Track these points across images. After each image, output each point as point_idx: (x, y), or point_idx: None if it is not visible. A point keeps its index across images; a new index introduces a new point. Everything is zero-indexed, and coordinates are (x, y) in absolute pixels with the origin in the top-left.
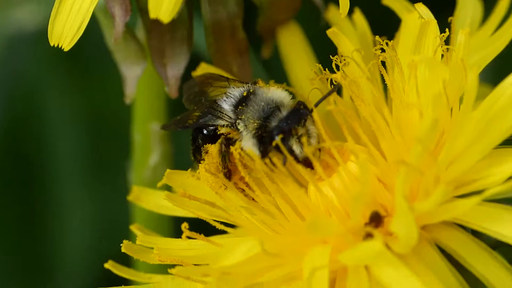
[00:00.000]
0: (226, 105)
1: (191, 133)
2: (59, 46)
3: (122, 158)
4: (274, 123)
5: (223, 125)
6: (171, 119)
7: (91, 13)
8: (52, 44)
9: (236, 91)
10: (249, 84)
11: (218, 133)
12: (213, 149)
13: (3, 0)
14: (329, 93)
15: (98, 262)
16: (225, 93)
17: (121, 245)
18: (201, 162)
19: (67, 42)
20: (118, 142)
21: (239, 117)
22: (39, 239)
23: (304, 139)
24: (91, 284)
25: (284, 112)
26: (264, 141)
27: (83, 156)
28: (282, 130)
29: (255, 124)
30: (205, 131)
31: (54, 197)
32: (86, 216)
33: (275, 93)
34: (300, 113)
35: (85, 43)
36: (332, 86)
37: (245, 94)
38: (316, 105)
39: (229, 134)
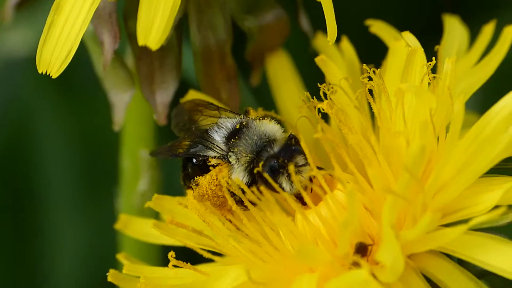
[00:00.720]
0: (218, 137)
1: (181, 160)
2: (47, 73)
3: (113, 183)
4: (265, 159)
5: (214, 157)
6: (160, 145)
7: (79, 41)
8: (40, 71)
9: (229, 122)
10: (242, 116)
11: (209, 164)
12: (203, 181)
13: None
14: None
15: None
16: (216, 123)
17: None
18: (191, 189)
19: (55, 69)
20: (109, 167)
21: (231, 150)
22: (29, 263)
23: (293, 177)
24: None
25: (275, 148)
26: (254, 175)
27: (74, 181)
28: (272, 168)
29: (247, 158)
30: (195, 161)
31: (44, 222)
32: (76, 241)
33: (268, 126)
34: (291, 150)
35: (77, 67)
36: (320, 114)
37: (238, 126)
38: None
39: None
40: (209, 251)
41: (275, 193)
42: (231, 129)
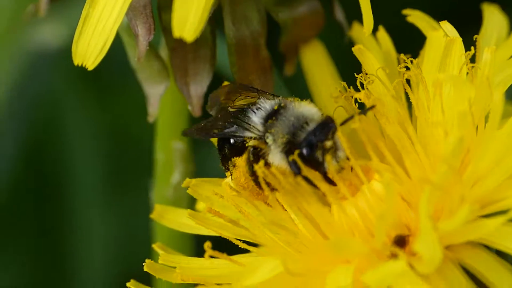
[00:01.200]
0: (256, 118)
1: (217, 143)
2: (83, 65)
3: (144, 176)
4: (302, 136)
5: (251, 137)
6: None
7: (115, 33)
8: (76, 64)
9: (267, 104)
10: (280, 98)
11: (246, 145)
12: (240, 162)
13: (26, 19)
14: (348, 119)
15: (119, 280)
16: (255, 103)
17: (143, 264)
18: (230, 172)
19: (91, 61)
20: (140, 160)
21: (269, 131)
22: (58, 257)
23: (331, 152)
24: None
25: (312, 125)
26: (293, 153)
27: (104, 174)
28: (309, 143)
29: (284, 139)
30: (232, 141)
31: (74, 216)
32: (106, 235)
33: (306, 108)
34: (328, 126)
35: (108, 61)
36: (357, 104)
37: (276, 107)
38: (342, 124)
39: (257, 147)
40: (244, 242)
41: (312, 185)
42: (269, 110)
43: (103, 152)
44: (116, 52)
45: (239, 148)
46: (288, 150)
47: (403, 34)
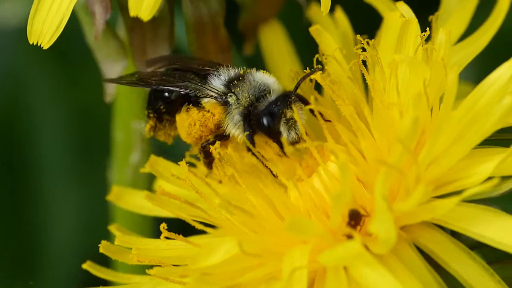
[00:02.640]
0: (216, 82)
1: (149, 97)
2: (38, 44)
3: (106, 154)
4: (264, 104)
5: (208, 95)
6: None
7: (70, 11)
8: (31, 42)
9: (230, 71)
10: (245, 68)
11: (201, 104)
12: (194, 115)
13: None
14: (306, 76)
15: (83, 259)
16: (215, 72)
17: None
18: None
19: (46, 40)
20: (103, 139)
21: (232, 90)
22: (24, 233)
23: (291, 123)
24: (75, 280)
25: (273, 96)
26: (249, 121)
27: (68, 152)
28: (270, 112)
29: (248, 99)
30: (166, 94)
31: (39, 193)
32: (71, 212)
33: (270, 79)
34: (289, 97)
35: (70, 37)
36: (312, 84)
37: (242, 72)
38: (296, 88)
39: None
40: (202, 223)
41: (268, 165)
42: (233, 75)
43: (67, 129)
44: (79, 29)
45: (175, 104)
46: (247, 114)
47: (361, 14)
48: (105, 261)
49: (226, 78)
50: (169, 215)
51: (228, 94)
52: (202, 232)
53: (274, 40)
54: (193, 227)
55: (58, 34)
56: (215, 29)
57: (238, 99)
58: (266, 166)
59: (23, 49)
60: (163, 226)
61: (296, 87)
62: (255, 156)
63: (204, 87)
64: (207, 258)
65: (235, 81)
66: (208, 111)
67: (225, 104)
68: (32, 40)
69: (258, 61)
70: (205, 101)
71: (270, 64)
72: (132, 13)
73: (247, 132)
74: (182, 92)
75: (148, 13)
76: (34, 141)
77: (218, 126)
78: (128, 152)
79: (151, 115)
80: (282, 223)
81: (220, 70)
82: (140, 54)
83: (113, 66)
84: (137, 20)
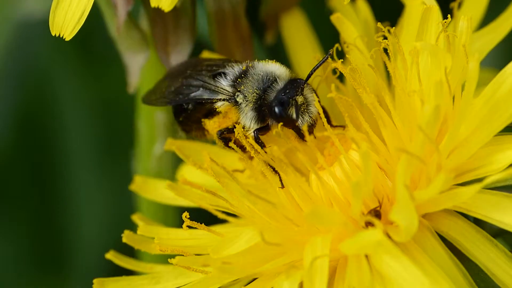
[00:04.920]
0: (224, 81)
1: (173, 108)
2: (61, 36)
3: (131, 146)
4: (272, 94)
5: (220, 99)
6: (149, 91)
7: (92, 3)
8: (53, 34)
9: (235, 68)
10: (247, 61)
11: (217, 109)
12: (209, 124)
13: None
14: (321, 62)
15: (111, 250)
16: (222, 70)
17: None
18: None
19: (68, 32)
20: (128, 130)
21: (238, 89)
22: (52, 226)
23: (303, 108)
24: (104, 271)
25: (281, 83)
26: (263, 113)
27: (95, 144)
28: (281, 101)
29: (255, 94)
30: (190, 106)
31: (67, 187)
32: (98, 205)
33: (274, 66)
34: (297, 82)
35: (93, 31)
36: (334, 75)
37: (244, 68)
38: (310, 74)
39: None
40: (224, 213)
41: (289, 154)
42: (237, 72)
43: (93, 121)
44: (103, 21)
45: (198, 113)
46: (259, 106)
47: (383, 2)
48: (132, 252)
49: (232, 76)
50: (192, 205)
51: (236, 94)
52: (225, 221)
53: (296, 29)
54: (216, 216)
55: (80, 26)
56: (236, 19)
57: (245, 96)
58: (274, 170)
59: (48, 42)
60: (185, 215)
61: (310, 75)
62: (261, 155)
63: (215, 90)
64: (229, 247)
65: (239, 79)
66: (224, 114)
67: (236, 104)
68: (54, 31)
69: (280, 50)
70: (219, 105)
71: (292, 53)
72: (153, 3)
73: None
74: (197, 102)
75: (169, 4)
76: (60, 134)
77: (237, 123)
78: (152, 143)
79: (179, 126)
80: (303, 212)
81: (226, 68)
82: (162, 45)
83: (135, 57)
84: (158, 11)
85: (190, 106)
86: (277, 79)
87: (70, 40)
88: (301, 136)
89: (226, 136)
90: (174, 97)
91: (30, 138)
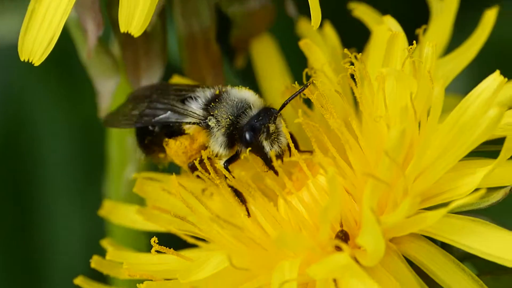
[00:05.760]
0: (194, 105)
1: (136, 131)
2: (30, 61)
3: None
4: (245, 120)
5: (189, 122)
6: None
7: (61, 28)
8: (22, 59)
9: (207, 92)
10: (220, 86)
11: (186, 131)
12: (172, 145)
13: None
14: (295, 94)
15: (86, 272)
16: (192, 93)
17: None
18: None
19: (37, 57)
20: (102, 153)
21: (211, 113)
22: (28, 248)
23: (274, 137)
24: None
25: (254, 111)
26: (234, 139)
27: (70, 166)
28: (252, 127)
29: (228, 119)
30: (156, 128)
31: (42, 207)
32: (74, 227)
33: (247, 93)
34: (270, 111)
35: (68, 52)
36: (301, 99)
37: (217, 92)
38: (284, 105)
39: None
40: (194, 237)
41: (257, 179)
42: (210, 96)
43: (70, 142)
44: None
45: (163, 135)
46: (230, 132)
47: (351, 28)
48: (105, 276)
49: (203, 100)
50: (161, 230)
51: (208, 118)
52: (195, 246)
53: (265, 54)
54: (186, 242)
55: (49, 51)
56: (207, 44)
57: (218, 121)
58: (241, 198)
59: (22, 64)
60: (153, 240)
61: (283, 106)
62: (229, 185)
63: (185, 113)
64: (197, 272)
65: (212, 103)
66: (192, 137)
67: (207, 127)
68: (23, 57)
69: (249, 74)
70: (187, 127)
71: (261, 78)
72: (123, 29)
73: (224, 161)
74: (164, 124)
75: (138, 29)
76: (37, 155)
77: (204, 147)
78: (123, 167)
79: (141, 148)
80: (271, 237)
81: (196, 92)
82: (133, 70)
83: (106, 83)
84: (129, 36)
85: (156, 128)
86: (251, 106)
87: (46, 60)
88: (268, 164)
89: (195, 167)
90: (139, 120)
91: (5, 158)
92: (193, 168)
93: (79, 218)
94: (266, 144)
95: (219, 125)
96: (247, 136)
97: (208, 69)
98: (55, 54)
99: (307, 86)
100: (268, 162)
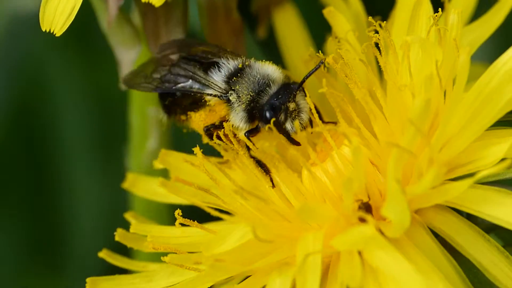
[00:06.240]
0: (217, 76)
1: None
2: (51, 31)
3: (125, 141)
4: (265, 98)
5: (210, 94)
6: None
7: None
8: (43, 29)
9: (230, 63)
10: (244, 57)
11: (207, 103)
12: (195, 116)
13: None
14: (314, 70)
15: (108, 246)
16: (217, 63)
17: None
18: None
19: (58, 27)
20: (122, 124)
21: (232, 88)
22: (49, 220)
23: (294, 114)
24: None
25: (274, 88)
26: (254, 115)
27: (90, 138)
28: (272, 106)
29: (249, 96)
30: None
31: (63, 180)
32: (94, 199)
33: (270, 68)
34: (290, 88)
35: (88, 22)
36: (325, 69)
37: (240, 65)
38: (303, 81)
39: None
40: (217, 210)
41: (281, 150)
42: (233, 69)
43: (89, 114)
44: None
45: (191, 101)
46: (251, 109)
47: None
48: (127, 249)
49: (226, 72)
50: (184, 202)
51: (229, 92)
52: (219, 219)
53: (288, 23)
54: (210, 214)
55: (71, 21)
56: (227, 13)
57: (239, 96)
58: (265, 169)
59: (42, 34)
60: (177, 212)
61: (303, 81)
62: (252, 156)
63: (206, 84)
64: (221, 245)
65: (234, 78)
66: (213, 108)
67: (228, 101)
68: (44, 27)
69: (271, 44)
70: (208, 98)
71: (284, 47)
72: None
73: (245, 131)
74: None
75: None
76: (56, 125)
77: (224, 119)
78: (145, 138)
79: (163, 109)
80: (295, 208)
81: (221, 61)
82: (154, 39)
83: (127, 52)
84: (150, 5)
85: (178, 93)
86: (271, 83)
87: (66, 31)
88: (291, 141)
89: (212, 132)
90: (159, 85)
91: (25, 130)
92: (212, 136)
93: (101, 190)
94: (286, 123)
95: (239, 101)
96: (267, 115)
97: (230, 37)
98: (74, 24)
99: (321, 64)
100: (290, 139)
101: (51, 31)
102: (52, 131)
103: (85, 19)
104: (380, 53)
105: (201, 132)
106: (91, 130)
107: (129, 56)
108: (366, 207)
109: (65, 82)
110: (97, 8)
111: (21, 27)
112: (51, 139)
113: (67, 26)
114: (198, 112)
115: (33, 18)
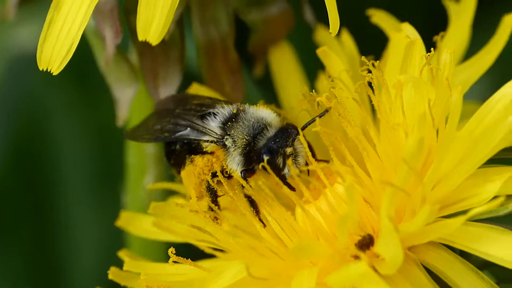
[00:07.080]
0: (213, 123)
1: (165, 145)
2: (48, 70)
3: (122, 178)
4: (262, 141)
5: (207, 141)
6: (134, 127)
7: (80, 36)
8: (40, 69)
9: (225, 110)
10: (238, 104)
11: (204, 150)
12: (199, 162)
13: (2, 22)
14: (315, 118)
15: (104, 282)
16: (212, 110)
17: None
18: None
19: (55, 66)
20: (121, 161)
21: (228, 133)
22: (47, 257)
23: (291, 158)
24: None
25: (272, 131)
26: (251, 159)
27: (89, 175)
28: (270, 149)
29: (244, 140)
30: (172, 148)
31: (62, 216)
32: (92, 236)
33: (265, 112)
34: (288, 132)
35: (87, 60)
36: (319, 107)
37: (234, 111)
38: (303, 128)
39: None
40: (212, 247)
41: (274, 189)
42: (228, 115)
43: (89, 152)
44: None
45: (191, 150)
46: (247, 152)
47: (369, 34)
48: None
49: (222, 118)
50: (178, 240)
51: (225, 137)
52: (213, 256)
53: (284, 61)
54: (204, 252)
55: (68, 60)
56: (225, 51)
57: (234, 141)
58: (256, 211)
59: (41, 73)
60: (171, 250)
61: (303, 128)
62: (246, 195)
63: (203, 131)
64: (215, 282)
65: (229, 123)
66: (212, 154)
67: (224, 146)
68: (41, 66)
69: (268, 82)
70: (205, 145)
71: (279, 85)
72: (141, 37)
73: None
74: (185, 141)
75: (156, 37)
76: (55, 163)
77: (223, 168)
78: (142, 175)
79: (173, 169)
80: (289, 246)
81: (216, 108)
82: (151, 78)
83: (125, 91)
84: (148, 44)
85: (178, 146)
86: (268, 126)
87: (64, 69)
88: (287, 185)
89: (212, 187)
90: (159, 134)
91: (25, 167)
92: (209, 189)
93: (99, 227)
94: (283, 167)
95: (235, 145)
96: (264, 158)
97: (227, 76)
98: (73, 62)
99: (326, 112)
100: (286, 183)
101: (49, 70)
102: (51, 169)
103: (84, 57)
104: (373, 92)
105: (190, 186)
106: (90, 167)
107: (126, 95)
108: (370, 239)
109: (64, 119)
110: (95, 46)
111: (20, 66)
112: (51, 176)
113: (64, 65)
114: (194, 162)
115: (32, 57)
